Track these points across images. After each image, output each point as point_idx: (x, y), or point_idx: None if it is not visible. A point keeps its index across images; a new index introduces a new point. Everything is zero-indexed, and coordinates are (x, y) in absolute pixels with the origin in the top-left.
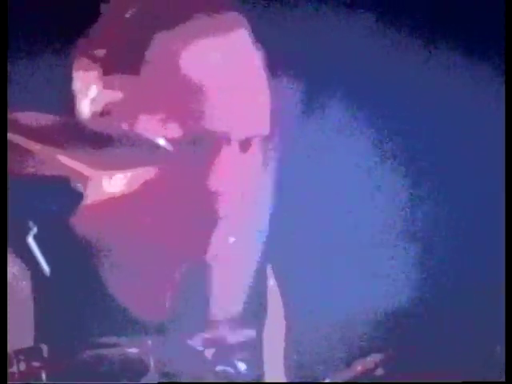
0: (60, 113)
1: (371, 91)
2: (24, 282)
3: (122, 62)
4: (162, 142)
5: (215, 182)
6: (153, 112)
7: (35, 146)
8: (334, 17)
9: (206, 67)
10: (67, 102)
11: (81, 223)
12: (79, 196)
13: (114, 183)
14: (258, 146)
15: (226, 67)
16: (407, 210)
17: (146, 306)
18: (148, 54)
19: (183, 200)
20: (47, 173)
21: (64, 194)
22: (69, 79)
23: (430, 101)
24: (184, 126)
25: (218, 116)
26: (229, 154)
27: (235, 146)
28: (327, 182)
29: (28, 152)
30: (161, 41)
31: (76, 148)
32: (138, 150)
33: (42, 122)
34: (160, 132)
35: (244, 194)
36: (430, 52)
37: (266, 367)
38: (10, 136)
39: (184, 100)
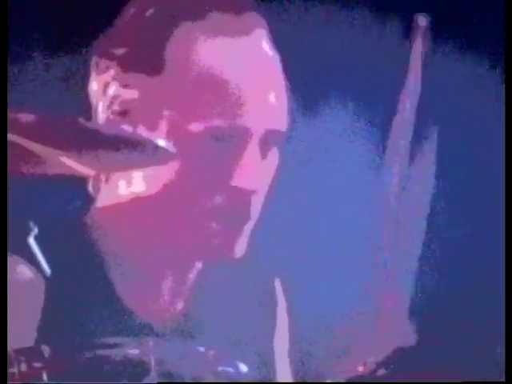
0: (60, 113)
1: (372, 93)
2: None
3: (141, 61)
4: (162, 143)
5: (241, 179)
6: (173, 110)
7: (35, 146)
8: (333, 19)
9: (224, 65)
10: (68, 102)
11: (95, 223)
12: (80, 196)
13: (132, 183)
14: (276, 145)
15: (245, 65)
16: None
17: (156, 309)
18: (167, 53)
19: (206, 197)
20: (47, 173)
21: (65, 194)
22: (69, 79)
23: (430, 103)
24: (204, 122)
25: (238, 111)
26: (252, 151)
27: (257, 142)
28: (328, 187)
29: (28, 152)
30: (179, 39)
31: (76, 148)
32: (139, 151)
33: (42, 122)
34: (180, 129)
35: (267, 194)
36: (430, 53)
37: (277, 371)
38: (10, 136)
39: (203, 97)
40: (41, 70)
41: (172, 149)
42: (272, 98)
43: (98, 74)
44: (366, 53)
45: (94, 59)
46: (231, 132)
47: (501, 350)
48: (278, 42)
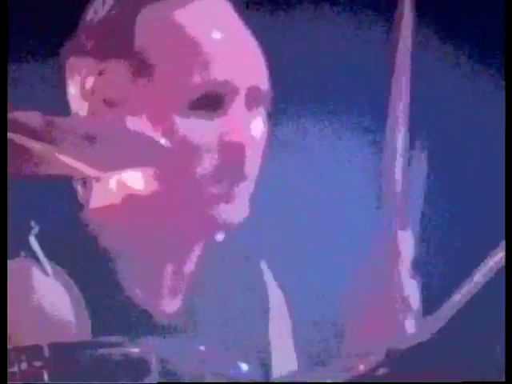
0: (59, 112)
1: (371, 92)
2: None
3: (111, 48)
4: (162, 141)
5: (231, 133)
6: (155, 83)
7: (35, 146)
8: (331, 17)
9: (195, 28)
10: (67, 102)
11: (91, 220)
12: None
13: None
14: (261, 104)
15: (216, 26)
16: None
17: (160, 301)
18: (137, 31)
19: (201, 160)
20: (47, 172)
21: (65, 193)
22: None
23: (429, 102)
24: (190, 81)
25: (221, 68)
26: (238, 106)
27: (243, 98)
28: (322, 180)
29: (28, 152)
30: (147, 14)
31: (76, 147)
32: (138, 149)
33: (41, 121)
34: (170, 98)
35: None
36: (429, 52)
37: (274, 366)
38: (10, 136)
39: (185, 57)
40: (40, 70)
41: (169, 145)
42: (249, 55)
43: (73, 75)
44: (356, 54)
45: (68, 63)
46: (215, 86)
47: (501, 350)
48: (265, 45)
